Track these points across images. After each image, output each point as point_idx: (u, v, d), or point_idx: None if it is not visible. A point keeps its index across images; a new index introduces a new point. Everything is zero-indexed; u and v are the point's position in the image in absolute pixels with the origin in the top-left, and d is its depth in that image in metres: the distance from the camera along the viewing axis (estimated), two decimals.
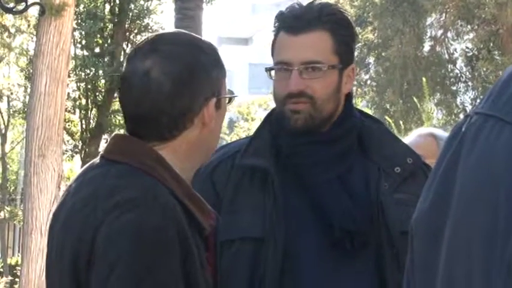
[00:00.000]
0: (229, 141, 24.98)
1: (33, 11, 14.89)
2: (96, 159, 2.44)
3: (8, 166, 26.60)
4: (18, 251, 15.57)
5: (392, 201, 2.74)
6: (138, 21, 18.64)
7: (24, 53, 21.11)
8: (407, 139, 3.77)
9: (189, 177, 2.44)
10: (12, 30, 21.37)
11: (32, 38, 17.76)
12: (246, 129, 26.39)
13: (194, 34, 2.61)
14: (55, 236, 2.39)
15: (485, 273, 1.35)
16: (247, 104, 26.60)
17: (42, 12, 13.22)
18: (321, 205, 2.81)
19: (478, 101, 1.56)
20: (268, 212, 2.77)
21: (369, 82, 26.22)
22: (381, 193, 2.74)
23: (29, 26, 18.96)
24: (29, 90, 16.20)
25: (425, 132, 3.93)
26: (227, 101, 2.51)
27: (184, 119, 2.33)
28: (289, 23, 2.86)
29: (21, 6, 12.14)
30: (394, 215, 2.72)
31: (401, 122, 17.75)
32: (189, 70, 2.34)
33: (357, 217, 2.77)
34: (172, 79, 2.31)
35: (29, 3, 12.25)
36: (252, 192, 2.82)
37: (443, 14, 23.99)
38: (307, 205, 2.82)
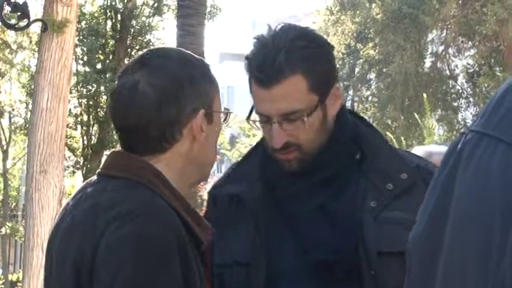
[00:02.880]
0: (230, 157, 24.95)
1: (35, 28, 14.90)
2: (94, 177, 2.48)
3: (10, 182, 26.68)
4: (20, 267, 15.57)
5: (375, 220, 2.67)
6: (139, 38, 18.69)
7: (26, 69, 21.16)
8: None
9: (186, 193, 2.45)
10: (14, 46, 21.42)
11: (34, 54, 17.84)
12: (248, 144, 26.44)
13: (185, 50, 2.65)
14: (55, 250, 2.41)
15: None
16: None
17: (44, 29, 13.23)
18: (300, 235, 2.80)
19: None
20: (251, 238, 2.78)
21: (370, 98, 26.32)
22: (365, 213, 2.69)
23: (30, 42, 19.01)
24: (30, 106, 16.18)
25: (420, 151, 3.92)
26: (223, 119, 2.54)
27: (172, 129, 2.36)
28: (258, 76, 2.77)
29: (23, 23, 12.13)
30: (373, 235, 2.66)
31: (402, 138, 17.78)
32: (175, 81, 2.37)
33: (337, 247, 2.74)
34: (159, 90, 2.34)
35: (31, 20, 12.26)
36: (237, 218, 2.83)
37: (445, 30, 24.08)
38: (288, 233, 2.80)
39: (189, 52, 2.63)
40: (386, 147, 2.84)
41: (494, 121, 1.44)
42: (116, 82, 2.45)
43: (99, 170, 2.47)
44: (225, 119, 2.59)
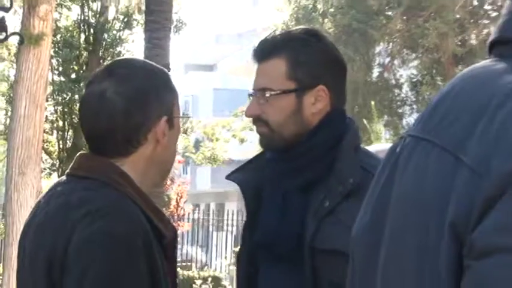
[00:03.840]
0: (195, 159, 24.84)
1: (14, 40, 14.83)
2: (63, 177, 2.49)
3: None
4: (0, 261, 15.55)
5: (321, 220, 2.68)
6: (111, 50, 18.64)
7: (6, 79, 21.01)
8: None
9: (149, 192, 2.47)
10: None
11: (13, 65, 17.69)
12: (211, 148, 26.40)
13: (147, 60, 2.69)
14: (28, 244, 2.41)
15: (418, 285, 1.35)
16: (212, 125, 26.58)
17: (21, 42, 13.25)
18: (259, 218, 2.85)
19: None
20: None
21: None
22: (319, 212, 2.69)
23: (9, 54, 18.86)
24: (9, 113, 16.15)
25: (373, 148, 3.93)
26: (181, 123, 2.59)
27: (137, 135, 2.37)
28: (255, 54, 2.88)
29: (1, 36, 12.12)
30: (311, 231, 2.67)
31: None
32: (141, 90, 2.38)
33: (278, 234, 2.76)
34: (125, 98, 2.35)
35: (9, 33, 12.26)
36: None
37: (390, 43, 24.21)
38: (258, 216, 2.87)
39: (151, 62, 2.66)
40: (350, 148, 2.81)
41: (430, 126, 1.44)
42: (84, 90, 2.47)
43: (68, 170, 2.47)
44: (186, 131, 2.64)
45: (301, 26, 2.86)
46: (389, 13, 23.34)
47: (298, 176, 2.78)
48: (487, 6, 22.69)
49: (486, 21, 21.95)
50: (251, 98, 2.87)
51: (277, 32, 2.92)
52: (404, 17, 23.06)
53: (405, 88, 25.25)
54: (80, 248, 2.20)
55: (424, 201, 1.37)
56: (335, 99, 2.84)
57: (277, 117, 2.77)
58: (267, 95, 2.78)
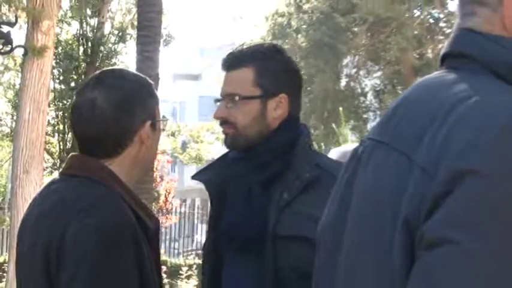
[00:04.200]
0: (182, 159, 24.72)
1: (19, 52, 14.78)
2: (57, 176, 2.50)
3: None
4: (6, 251, 15.52)
5: (281, 210, 2.70)
6: (107, 61, 18.54)
7: (11, 86, 20.98)
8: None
9: (132, 187, 2.47)
10: (1, 68, 21.24)
11: (18, 75, 17.63)
12: (196, 149, 26.36)
13: (132, 71, 2.72)
14: (25, 238, 2.40)
15: (376, 273, 1.36)
16: (197, 129, 26.55)
17: (25, 53, 13.21)
18: (226, 211, 2.86)
19: None
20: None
21: None
22: (279, 203, 2.71)
23: (15, 64, 18.74)
24: (15, 117, 16.09)
25: (336, 151, 3.92)
26: (162, 125, 2.58)
27: (125, 138, 2.39)
28: (224, 63, 2.90)
29: (7, 48, 12.17)
30: (274, 221, 2.68)
31: (322, 144, 17.87)
32: (127, 98, 2.40)
33: (243, 225, 2.77)
34: (114, 105, 2.36)
35: (14, 46, 12.33)
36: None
37: (356, 56, 24.24)
38: (224, 209, 2.88)
39: (136, 72, 2.69)
40: (304, 148, 2.84)
41: (387, 131, 1.44)
42: (75, 98, 2.46)
43: (61, 170, 2.47)
44: (163, 128, 2.67)
45: (265, 42, 2.90)
46: (355, 29, 23.34)
47: (260, 173, 2.79)
48: (442, 24, 22.71)
49: (441, 37, 21.97)
50: (218, 103, 2.89)
51: (245, 46, 2.94)
52: (369, 33, 23.07)
53: (369, 96, 25.27)
54: (75, 240, 2.20)
55: (381, 198, 1.37)
56: (292, 107, 2.87)
57: (243, 119, 2.80)
58: (236, 99, 2.80)
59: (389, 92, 23.62)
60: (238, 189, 2.83)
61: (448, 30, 21.95)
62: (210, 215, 2.97)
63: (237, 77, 2.84)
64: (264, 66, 2.83)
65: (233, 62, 2.87)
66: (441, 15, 22.70)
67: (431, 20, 23.46)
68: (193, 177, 3.00)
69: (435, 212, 1.26)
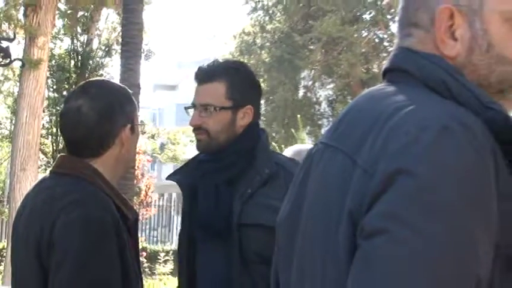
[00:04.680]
0: (160, 159, 24.56)
1: (17, 64, 14.71)
2: (47, 174, 2.49)
3: None
4: (5, 238, 15.47)
5: (245, 202, 2.72)
6: (95, 73, 18.44)
7: (11, 94, 20.86)
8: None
9: (115, 184, 2.47)
10: (1, 78, 21.14)
11: (16, 84, 17.54)
12: (173, 150, 26.33)
13: (115, 81, 2.72)
14: (20, 229, 2.39)
15: (323, 263, 1.36)
16: (174, 132, 26.53)
17: (23, 66, 13.20)
18: (198, 205, 2.87)
19: None
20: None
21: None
22: (243, 196, 2.73)
23: (14, 75, 18.64)
24: (13, 121, 15.99)
25: (292, 149, 3.90)
26: (140, 129, 2.58)
27: (107, 140, 2.39)
28: (197, 76, 2.90)
29: (6, 61, 12.15)
30: (238, 211, 2.71)
31: (283, 146, 17.89)
32: (109, 105, 2.39)
33: (213, 216, 2.79)
34: (97, 112, 2.37)
35: (13, 59, 12.35)
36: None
37: (312, 71, 24.29)
38: (196, 204, 2.88)
39: (116, 82, 2.76)
40: (264, 148, 2.86)
41: (336, 135, 1.44)
42: (64, 105, 2.47)
43: (51, 169, 2.46)
44: (142, 129, 2.68)
45: (232, 58, 2.93)
46: (312, 47, 23.39)
47: (226, 172, 2.82)
48: (385, 43, 22.81)
49: (385, 55, 22.06)
50: (190, 110, 2.93)
51: (215, 62, 2.96)
52: (323, 50, 23.13)
53: (323, 105, 25.34)
54: (63, 231, 2.20)
55: (329, 194, 1.37)
56: (255, 115, 2.89)
57: (216, 127, 2.81)
58: (211, 109, 2.81)
59: (341, 101, 23.72)
60: (207, 187, 2.84)
61: (391, 49, 21.97)
62: (182, 209, 2.97)
63: (210, 89, 2.84)
64: (234, 81, 2.84)
65: (206, 76, 2.87)
66: (385, 36, 22.83)
67: (376, 40, 23.60)
68: (168, 177, 3.02)
69: (373, 206, 1.26)
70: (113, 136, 2.39)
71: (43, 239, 2.22)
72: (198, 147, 2.90)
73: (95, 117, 2.36)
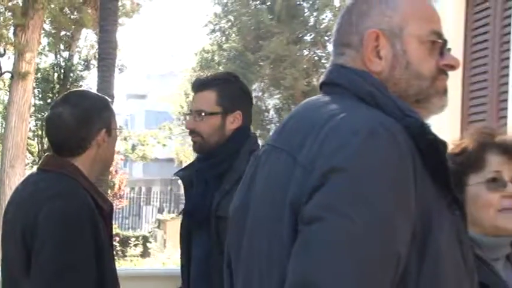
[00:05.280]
0: (132, 157, 24.27)
1: (7, 76, 14.54)
2: (34, 171, 2.48)
3: None
4: None
5: (223, 197, 2.69)
6: (75, 84, 18.20)
7: (1, 102, 20.51)
8: None
9: (93, 179, 2.44)
10: None
11: (6, 93, 17.23)
12: (142, 150, 26.09)
13: (93, 91, 2.70)
14: (8, 219, 2.36)
15: (269, 246, 1.36)
16: (143, 135, 26.32)
17: (12, 77, 13.08)
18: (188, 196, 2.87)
19: None
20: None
21: None
22: (222, 192, 2.70)
23: (4, 85, 18.31)
24: (4, 125, 15.76)
25: None
26: (118, 133, 2.55)
27: (85, 142, 2.37)
28: (193, 86, 2.89)
29: None
30: (220, 206, 2.67)
31: None
32: (86, 112, 2.37)
33: (198, 206, 2.78)
34: (76, 118, 2.35)
35: (3, 72, 12.29)
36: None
37: (262, 83, 24.32)
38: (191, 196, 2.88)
39: (94, 91, 2.73)
40: (248, 152, 2.77)
41: (280, 138, 1.45)
42: (48, 112, 2.45)
43: (38, 166, 2.44)
44: (120, 133, 2.65)
45: (224, 71, 2.91)
46: (261, 63, 23.44)
47: (215, 169, 2.78)
48: (323, 60, 22.91)
49: (323, 70, 22.15)
50: (187, 116, 2.91)
51: (209, 74, 2.95)
52: (271, 66, 23.19)
53: (271, 112, 25.38)
54: (45, 220, 2.18)
55: (274, 188, 1.37)
56: (245, 120, 2.84)
57: (207, 130, 2.77)
58: (202, 114, 2.77)
59: (286, 109, 23.77)
60: (199, 181, 2.82)
61: (328, 65, 22.23)
62: (184, 200, 2.96)
63: (203, 97, 2.81)
64: (225, 90, 2.81)
65: (200, 85, 2.84)
66: (323, 54, 22.93)
67: (316, 58, 23.73)
68: (175, 174, 3.02)
69: (312, 198, 1.27)
70: (90, 139, 2.37)
71: (28, 226, 2.21)
72: (193, 148, 2.87)
73: (73, 122, 2.34)
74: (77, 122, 2.35)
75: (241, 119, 2.82)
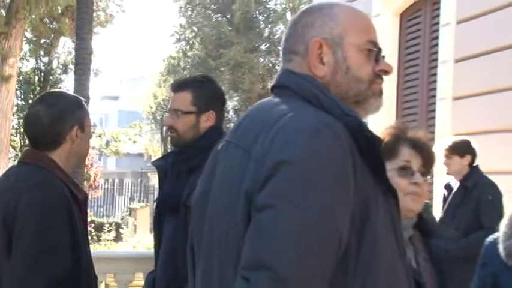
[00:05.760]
0: (107, 154, 24.01)
1: None
2: (15, 164, 2.44)
3: None
4: None
5: (192, 189, 2.65)
6: (54, 86, 18.00)
7: None
8: None
9: (69, 171, 2.41)
10: None
11: None
12: (115, 146, 25.84)
13: (69, 93, 2.66)
14: None
15: (226, 230, 1.35)
16: (116, 132, 26.06)
17: None
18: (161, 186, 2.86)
19: None
20: None
21: None
22: (192, 184, 2.62)
23: None
24: None
25: None
26: (92, 130, 2.50)
27: (59, 137, 2.33)
28: (172, 87, 2.85)
29: None
30: (189, 198, 2.59)
31: None
32: (59, 111, 2.34)
33: (171, 196, 2.75)
34: (50, 116, 2.32)
35: None
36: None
37: (222, 87, 24.13)
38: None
39: (69, 93, 2.63)
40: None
41: (236, 135, 1.44)
42: (27, 111, 2.42)
43: (18, 159, 2.41)
44: (93, 130, 2.59)
45: (200, 73, 2.86)
46: (222, 69, 23.42)
47: (187, 163, 2.75)
48: (277, 67, 23.02)
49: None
50: (166, 113, 2.87)
51: (187, 76, 2.91)
52: (230, 72, 23.19)
53: (231, 113, 25.38)
54: (24, 208, 2.15)
55: (231, 179, 1.37)
56: (218, 119, 2.81)
57: (183, 127, 2.75)
58: (179, 113, 2.75)
59: (244, 110, 23.78)
60: (172, 172, 2.79)
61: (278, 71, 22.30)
62: (158, 189, 2.93)
63: (179, 97, 2.77)
64: (199, 91, 2.77)
65: (177, 86, 2.81)
66: (277, 62, 23.05)
67: (270, 65, 23.82)
68: (152, 163, 2.98)
69: (264, 188, 1.27)
70: (64, 134, 2.33)
71: (9, 214, 2.18)
72: (170, 142, 2.84)
73: (48, 119, 2.31)
74: (51, 119, 2.31)
75: (214, 118, 2.79)
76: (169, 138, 2.86)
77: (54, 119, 2.31)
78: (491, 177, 4.66)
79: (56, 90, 3.14)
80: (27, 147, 2.45)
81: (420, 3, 6.46)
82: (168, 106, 2.87)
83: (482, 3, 5.50)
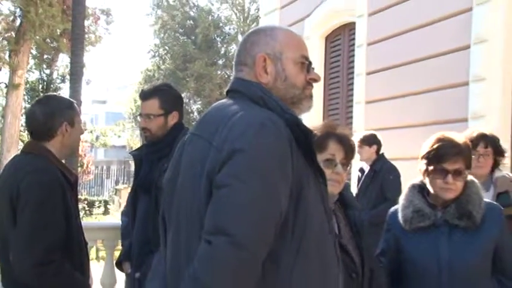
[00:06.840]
0: (97, 146, 23.50)
1: (3, 86, 13.91)
2: (18, 153, 2.37)
3: None
4: None
5: (161, 173, 2.59)
6: (55, 92, 17.49)
7: (0, 105, 19.58)
8: None
9: (62, 159, 2.35)
10: None
11: (3, 99, 16.44)
12: (104, 140, 25.40)
13: (62, 96, 2.59)
14: (0, 186, 2.25)
15: (191, 204, 1.33)
16: (104, 129, 25.62)
17: (7, 87, 12.69)
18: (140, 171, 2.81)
19: None
20: None
21: None
22: (161, 169, 2.62)
23: (2, 93, 17.41)
24: (2, 122, 15.08)
25: None
26: (81, 126, 2.42)
27: (52, 131, 2.28)
28: (141, 95, 2.79)
29: None
30: (159, 180, 2.59)
31: None
32: (52, 110, 2.29)
33: (147, 180, 2.71)
34: (44, 115, 2.27)
35: (0, 82, 11.76)
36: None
37: (188, 93, 24.08)
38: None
39: (62, 96, 2.56)
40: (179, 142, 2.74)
41: (199, 128, 1.43)
42: (28, 110, 2.36)
43: (21, 149, 2.34)
44: (83, 126, 2.52)
45: (161, 82, 2.81)
46: (188, 79, 23.26)
47: (158, 153, 2.72)
48: (231, 78, 23.00)
49: None
50: (139, 117, 2.80)
51: (152, 85, 2.83)
52: (195, 81, 23.06)
53: (195, 114, 25.23)
54: (26, 189, 2.10)
55: (195, 164, 1.35)
56: (180, 117, 2.78)
57: (155, 128, 2.71)
58: (151, 117, 2.71)
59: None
60: (146, 161, 2.76)
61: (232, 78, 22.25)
62: (134, 174, 2.89)
63: (149, 104, 2.73)
64: (164, 96, 2.73)
65: (146, 95, 2.76)
66: (231, 74, 22.95)
67: (226, 76, 23.74)
68: (130, 153, 2.94)
69: (221, 170, 1.27)
70: (55, 129, 2.28)
71: (13, 193, 2.13)
72: (145, 138, 2.80)
73: (41, 116, 2.27)
74: (45, 116, 2.26)
75: (177, 116, 2.77)
76: (144, 136, 2.82)
77: (47, 116, 2.27)
78: (394, 162, 4.78)
79: (51, 94, 3.08)
80: (28, 140, 2.39)
81: (340, 29, 6.57)
82: (140, 111, 2.81)
83: (386, 29, 5.63)
